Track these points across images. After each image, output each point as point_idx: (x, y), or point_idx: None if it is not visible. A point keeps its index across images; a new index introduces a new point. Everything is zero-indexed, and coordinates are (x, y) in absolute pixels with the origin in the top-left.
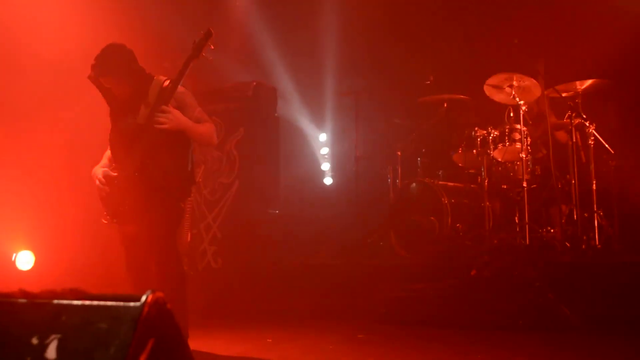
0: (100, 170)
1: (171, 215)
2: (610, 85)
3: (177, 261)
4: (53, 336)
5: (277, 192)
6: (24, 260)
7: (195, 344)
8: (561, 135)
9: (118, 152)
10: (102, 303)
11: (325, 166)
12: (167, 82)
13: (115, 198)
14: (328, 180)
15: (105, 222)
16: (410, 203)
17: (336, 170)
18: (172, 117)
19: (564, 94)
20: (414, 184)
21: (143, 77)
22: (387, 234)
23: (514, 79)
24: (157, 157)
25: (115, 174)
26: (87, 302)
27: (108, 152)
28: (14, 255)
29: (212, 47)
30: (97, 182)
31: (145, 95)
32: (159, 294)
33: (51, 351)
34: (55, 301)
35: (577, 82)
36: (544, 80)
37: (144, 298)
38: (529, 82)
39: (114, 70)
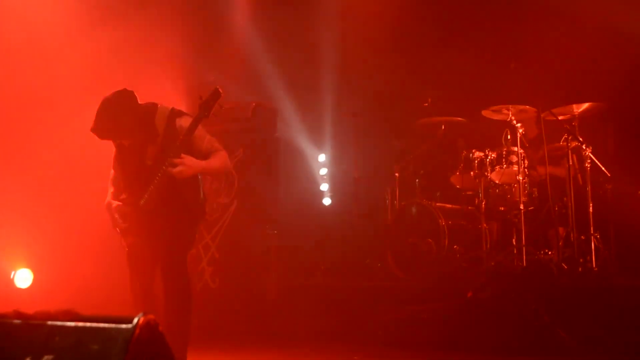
0: (115, 205)
1: (185, 241)
2: (607, 108)
3: (186, 283)
4: (46, 357)
5: (276, 212)
6: (23, 277)
7: None
8: (558, 171)
9: (131, 191)
10: (94, 325)
11: (324, 187)
12: (172, 113)
13: (131, 229)
14: (327, 201)
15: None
16: (407, 224)
17: (335, 191)
18: (184, 169)
19: (560, 117)
20: (411, 206)
21: (145, 116)
22: (384, 255)
23: (510, 107)
24: (170, 194)
25: (128, 208)
26: (80, 324)
27: (112, 172)
28: (13, 272)
29: (222, 107)
30: (117, 217)
31: (152, 132)
32: (151, 316)
33: None
34: (49, 322)
35: (574, 105)
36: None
37: (135, 320)
38: (525, 107)
39: (114, 132)
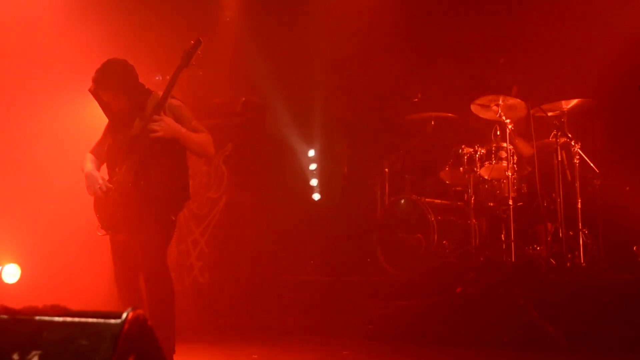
0: (98, 175)
1: (163, 228)
2: (596, 105)
3: (166, 275)
4: (34, 352)
5: (265, 207)
6: (10, 273)
7: (181, 359)
8: (525, 149)
9: (113, 164)
10: (83, 320)
11: (314, 182)
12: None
13: (109, 208)
14: (316, 196)
15: (100, 234)
16: (397, 220)
17: (324, 186)
18: (165, 125)
19: (549, 113)
20: (401, 201)
21: (142, 92)
22: (374, 251)
23: (500, 99)
24: (151, 168)
25: (111, 185)
26: (68, 319)
27: (90, 156)
28: (0, 268)
29: (202, 55)
30: (99, 186)
31: (142, 109)
32: (140, 311)
33: None
34: (37, 317)
35: (563, 102)
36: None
37: (124, 315)
38: (514, 101)
39: (114, 85)
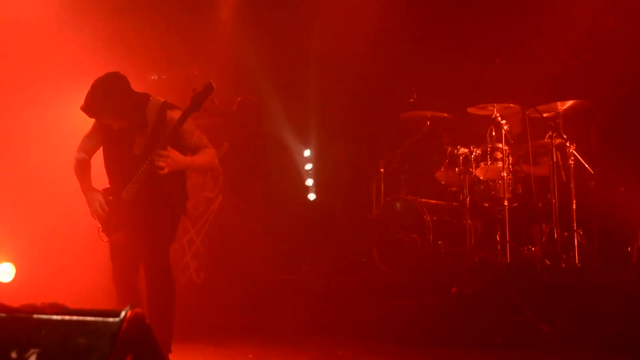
0: (98, 195)
1: (167, 232)
2: (591, 106)
3: (169, 273)
4: (32, 350)
5: (261, 207)
6: (5, 272)
7: (176, 358)
8: (539, 170)
9: (114, 179)
10: (81, 318)
11: (309, 182)
12: (164, 105)
13: (113, 219)
14: (311, 196)
15: (105, 241)
16: (392, 220)
17: (320, 186)
18: (171, 161)
19: (545, 114)
20: (396, 201)
21: (138, 103)
22: (369, 251)
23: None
24: (154, 185)
25: (111, 197)
26: (67, 317)
27: (81, 156)
28: None
29: (215, 103)
30: (98, 207)
31: (141, 121)
32: (138, 310)
33: None
34: (35, 316)
35: (558, 103)
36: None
37: (122, 314)
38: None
39: (105, 110)
